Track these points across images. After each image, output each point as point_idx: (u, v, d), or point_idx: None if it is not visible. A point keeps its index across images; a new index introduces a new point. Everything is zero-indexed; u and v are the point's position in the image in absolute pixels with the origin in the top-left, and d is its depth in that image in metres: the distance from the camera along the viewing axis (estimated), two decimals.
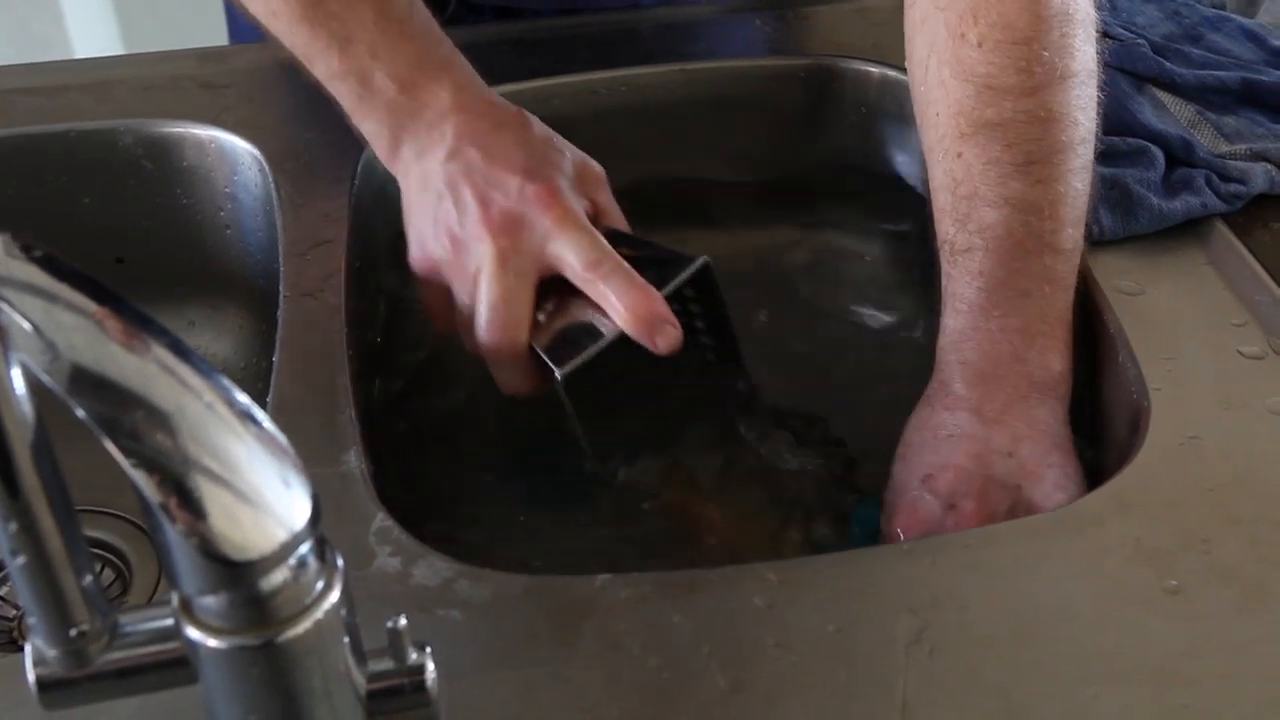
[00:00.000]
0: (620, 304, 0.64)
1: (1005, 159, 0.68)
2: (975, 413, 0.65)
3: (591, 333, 0.66)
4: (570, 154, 0.70)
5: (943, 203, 0.70)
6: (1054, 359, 0.67)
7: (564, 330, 0.66)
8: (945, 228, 0.70)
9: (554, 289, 0.67)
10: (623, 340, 0.65)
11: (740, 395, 0.73)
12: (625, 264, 0.65)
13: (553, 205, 0.65)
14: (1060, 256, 0.68)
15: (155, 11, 2.01)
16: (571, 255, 0.65)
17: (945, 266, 0.70)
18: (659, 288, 0.66)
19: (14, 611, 0.75)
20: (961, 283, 0.68)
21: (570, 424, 0.68)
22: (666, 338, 0.65)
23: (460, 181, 0.67)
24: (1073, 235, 0.68)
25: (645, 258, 0.67)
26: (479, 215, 0.66)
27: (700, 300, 0.71)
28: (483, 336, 0.66)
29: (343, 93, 0.70)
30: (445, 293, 0.69)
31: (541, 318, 0.67)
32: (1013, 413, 0.65)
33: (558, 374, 0.65)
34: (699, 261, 0.67)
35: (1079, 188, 0.69)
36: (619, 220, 0.71)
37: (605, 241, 0.66)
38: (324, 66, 0.70)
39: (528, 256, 0.66)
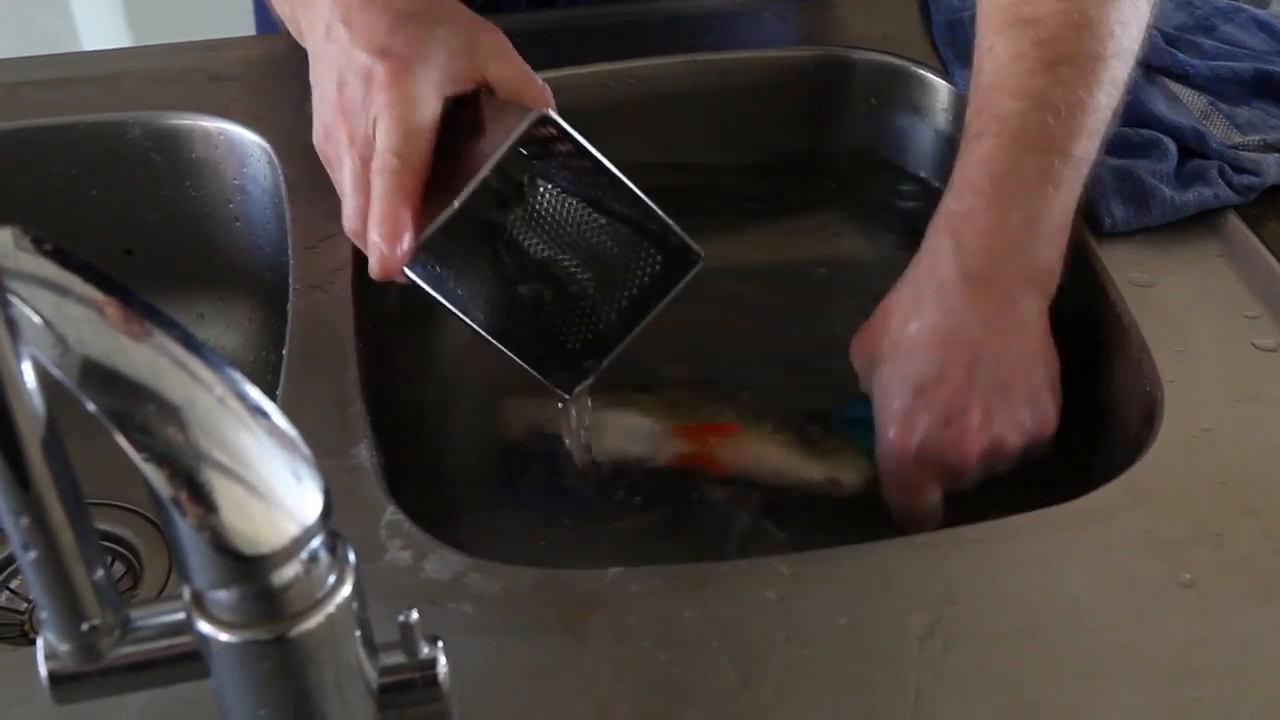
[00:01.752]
0: (371, 208, 0.61)
1: (1032, 55, 0.68)
2: (970, 311, 0.65)
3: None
4: (448, 28, 0.65)
5: (971, 95, 0.71)
6: (1050, 256, 0.67)
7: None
8: (967, 117, 0.70)
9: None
10: (491, 229, 0.63)
11: (679, 253, 0.67)
12: (415, 166, 0.61)
13: (390, 86, 0.62)
14: (1069, 162, 0.67)
15: (163, 6, 2.01)
16: (379, 138, 0.62)
17: (959, 153, 0.70)
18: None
19: (25, 605, 0.75)
20: (970, 167, 0.68)
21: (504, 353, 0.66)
22: (378, 265, 0.61)
23: (329, 64, 0.65)
24: (1086, 146, 0.68)
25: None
26: (334, 100, 0.64)
27: (573, 169, 0.67)
28: (344, 223, 0.65)
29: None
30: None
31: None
32: (1005, 312, 0.65)
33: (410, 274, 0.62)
34: (528, 118, 0.61)
35: (1103, 100, 0.68)
36: (519, 91, 0.65)
37: (419, 129, 0.62)
38: None
39: (368, 142, 0.63)
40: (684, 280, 0.66)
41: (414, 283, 0.62)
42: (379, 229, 0.61)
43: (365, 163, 0.63)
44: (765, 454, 0.72)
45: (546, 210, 0.69)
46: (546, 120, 0.61)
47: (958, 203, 0.68)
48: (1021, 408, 0.65)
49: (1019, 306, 0.66)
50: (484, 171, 0.60)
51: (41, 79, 0.89)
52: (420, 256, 0.62)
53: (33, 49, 0.94)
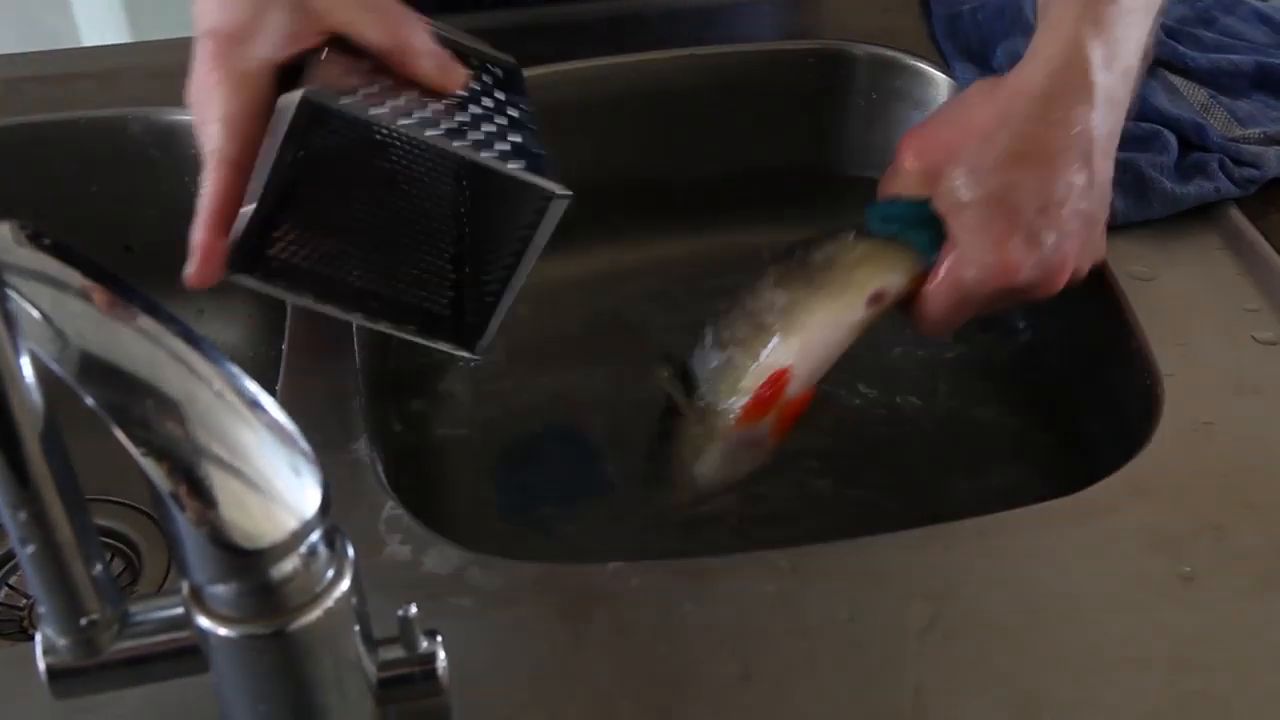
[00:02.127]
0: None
1: None
2: (1064, 134, 0.63)
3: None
4: None
5: None
6: (1127, 94, 0.65)
7: None
8: None
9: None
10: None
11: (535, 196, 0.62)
12: (236, 159, 0.59)
13: (213, 69, 0.60)
14: (1146, 10, 0.66)
15: (163, 3, 2.01)
16: (205, 138, 0.60)
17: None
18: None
19: (24, 600, 0.75)
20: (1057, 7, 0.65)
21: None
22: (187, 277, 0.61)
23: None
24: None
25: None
26: (190, 84, 0.61)
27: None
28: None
29: None
30: None
31: None
32: (1093, 143, 0.64)
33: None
34: (286, 114, 0.57)
35: None
36: (362, 33, 0.61)
37: (234, 123, 0.59)
38: None
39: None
40: (548, 218, 0.62)
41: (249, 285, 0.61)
42: (193, 235, 0.60)
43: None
44: (815, 339, 0.66)
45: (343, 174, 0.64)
46: (317, 110, 0.57)
47: (1048, 34, 0.65)
48: (1098, 239, 0.65)
49: (1104, 139, 0.64)
50: (260, 183, 0.58)
51: (42, 75, 0.89)
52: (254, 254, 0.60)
53: (34, 46, 0.94)
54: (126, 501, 0.80)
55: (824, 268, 0.66)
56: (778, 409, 0.65)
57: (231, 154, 0.59)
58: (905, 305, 0.66)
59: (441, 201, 0.65)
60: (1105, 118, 0.64)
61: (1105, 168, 0.64)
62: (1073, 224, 0.63)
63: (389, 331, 0.63)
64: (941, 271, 0.64)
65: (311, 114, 0.57)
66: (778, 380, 0.65)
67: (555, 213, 0.61)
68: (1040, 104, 0.63)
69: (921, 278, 0.65)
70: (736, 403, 0.65)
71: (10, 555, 0.77)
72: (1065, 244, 0.63)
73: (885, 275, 0.65)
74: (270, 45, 0.59)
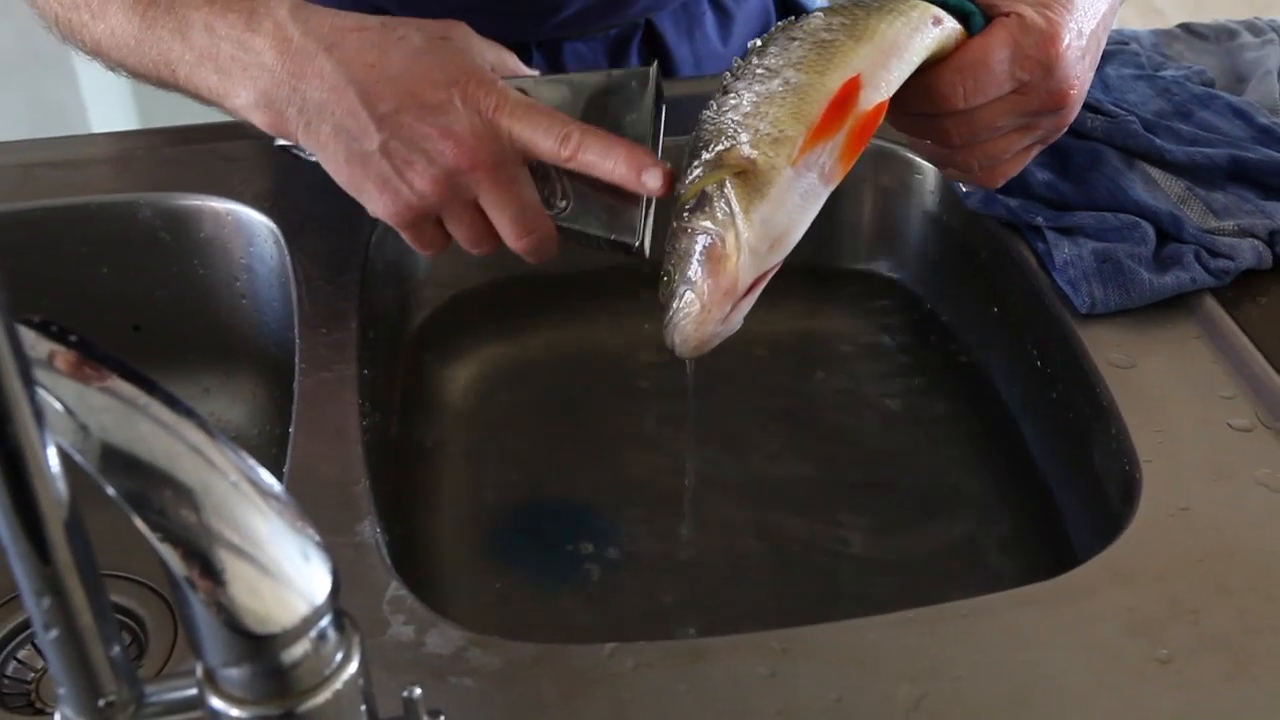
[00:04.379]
0: (604, 166, 0.66)
1: None
2: None
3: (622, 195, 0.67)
4: (435, 32, 0.68)
5: None
6: None
7: (591, 203, 0.69)
8: None
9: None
10: None
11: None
12: (588, 127, 0.66)
13: (500, 104, 0.66)
14: None
15: None
16: (540, 140, 0.66)
17: None
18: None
19: (32, 675, 0.77)
20: None
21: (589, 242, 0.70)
22: (660, 181, 0.65)
23: (397, 125, 0.66)
24: None
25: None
26: (450, 148, 0.66)
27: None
28: (519, 244, 0.69)
29: (200, 81, 0.70)
30: (435, 225, 0.70)
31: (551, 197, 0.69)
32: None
33: (637, 245, 0.68)
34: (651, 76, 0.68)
35: None
36: (504, 64, 0.71)
37: (555, 113, 0.66)
38: (177, 56, 0.70)
39: (511, 159, 0.67)
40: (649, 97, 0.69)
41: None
42: (631, 158, 0.65)
43: (514, 180, 0.67)
44: (887, 47, 0.62)
45: None
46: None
47: None
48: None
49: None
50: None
51: (54, 160, 0.92)
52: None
53: (40, 119, 0.97)
54: (131, 576, 0.81)
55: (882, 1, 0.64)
56: (852, 121, 0.60)
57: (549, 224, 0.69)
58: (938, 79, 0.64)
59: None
60: None
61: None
62: (1094, 46, 0.68)
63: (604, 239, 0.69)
64: (995, 27, 0.65)
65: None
66: (851, 86, 0.60)
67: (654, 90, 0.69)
68: None
69: (968, 39, 0.65)
70: (801, 126, 0.60)
71: (18, 630, 0.78)
72: (1089, 57, 0.67)
73: (942, 11, 0.64)
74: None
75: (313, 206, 0.86)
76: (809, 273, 0.95)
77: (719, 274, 0.60)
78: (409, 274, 0.90)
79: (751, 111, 0.61)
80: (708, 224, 0.60)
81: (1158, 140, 0.85)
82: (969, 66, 0.64)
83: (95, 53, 0.77)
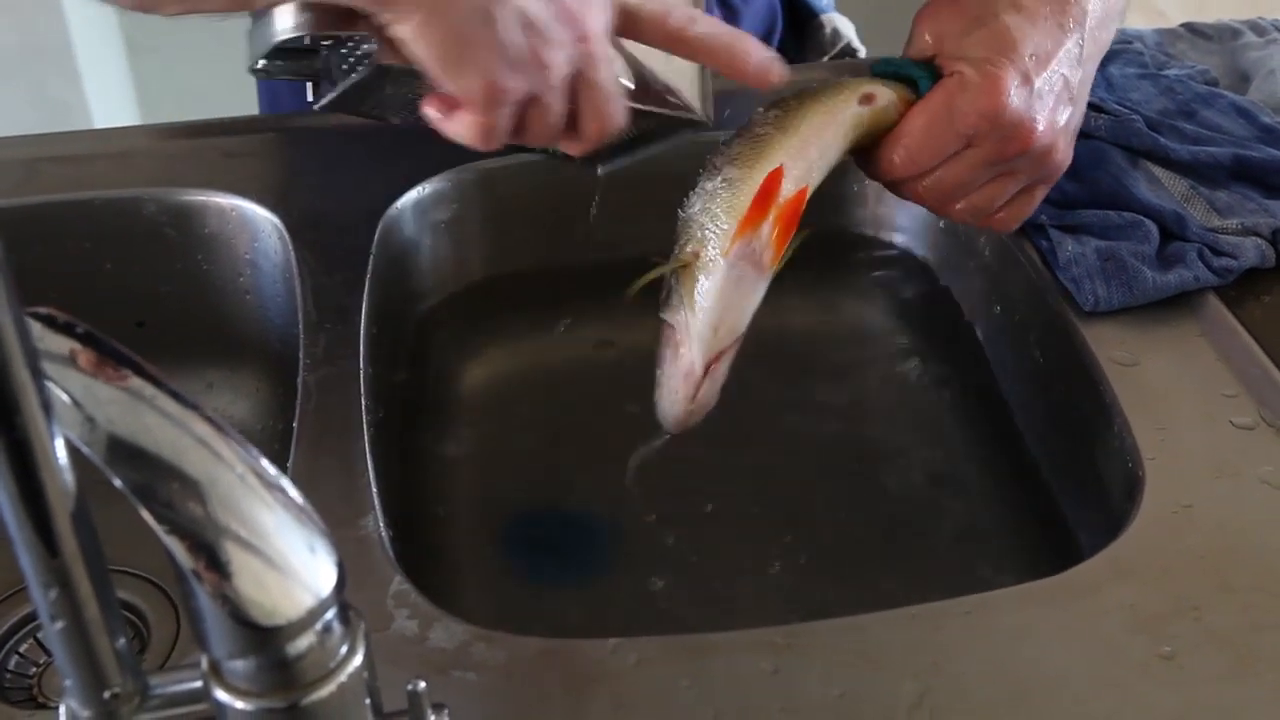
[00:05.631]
0: (726, 53, 0.63)
1: None
2: (1091, 10, 0.69)
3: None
4: None
5: None
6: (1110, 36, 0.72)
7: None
8: None
9: None
10: None
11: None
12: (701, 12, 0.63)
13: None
14: None
15: (171, 75, 2.05)
16: (652, 8, 0.62)
17: None
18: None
19: (34, 669, 0.77)
20: None
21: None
22: (774, 72, 0.63)
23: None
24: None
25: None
26: (554, 12, 0.59)
27: None
28: (617, 119, 0.62)
29: None
30: (521, 109, 0.61)
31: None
32: (1094, 50, 0.70)
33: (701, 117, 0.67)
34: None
35: None
36: None
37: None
38: None
39: (606, 35, 0.61)
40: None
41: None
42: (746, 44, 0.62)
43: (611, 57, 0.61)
44: (809, 136, 0.67)
45: None
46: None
47: None
48: (1068, 134, 0.69)
49: (1096, 26, 0.70)
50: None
51: (59, 155, 0.92)
52: None
53: (44, 118, 0.97)
54: (133, 570, 0.82)
55: (819, 88, 0.69)
56: (775, 211, 0.65)
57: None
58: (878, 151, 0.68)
59: None
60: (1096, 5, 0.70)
61: (1093, 52, 0.70)
62: (1060, 90, 0.68)
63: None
64: (934, 90, 0.68)
65: None
66: (773, 179, 0.65)
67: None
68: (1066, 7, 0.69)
69: (911, 104, 0.68)
70: (734, 220, 0.65)
71: (20, 625, 0.78)
72: (1044, 103, 0.67)
73: (877, 85, 0.69)
74: None
75: (317, 202, 0.86)
76: (809, 275, 0.95)
77: (676, 359, 0.65)
78: (413, 269, 0.90)
79: (700, 209, 0.66)
80: (666, 315, 0.66)
81: (1161, 139, 0.85)
82: (900, 135, 0.68)
83: None
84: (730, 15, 1.07)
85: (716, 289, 0.64)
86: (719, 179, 0.66)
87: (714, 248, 0.64)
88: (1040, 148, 0.68)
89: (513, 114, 0.61)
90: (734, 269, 0.64)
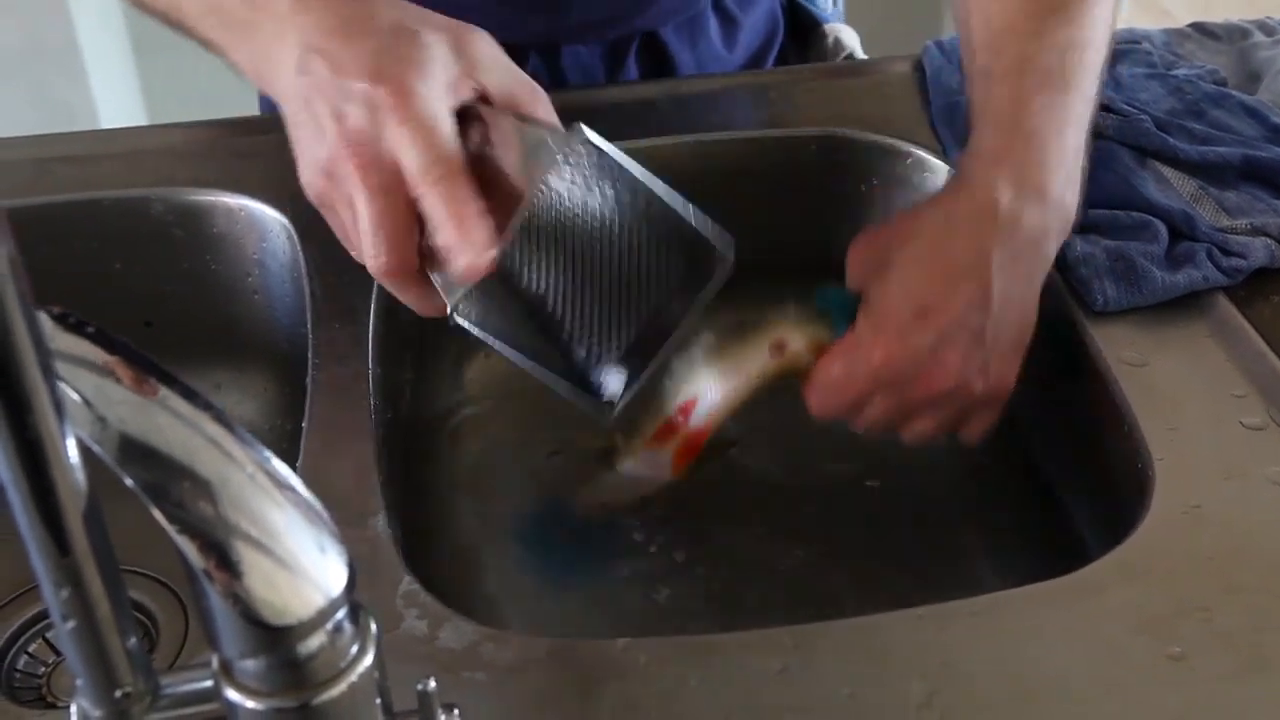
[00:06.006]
0: (435, 221, 0.58)
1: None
2: (998, 251, 0.67)
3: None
4: (434, 37, 0.60)
5: (973, 36, 0.75)
6: (1072, 199, 0.70)
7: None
8: (977, 58, 0.74)
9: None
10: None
11: (703, 255, 0.63)
12: (460, 170, 0.58)
13: (400, 107, 0.57)
14: (1085, 101, 0.71)
15: (178, 76, 2.05)
16: (406, 160, 0.58)
17: (976, 91, 0.73)
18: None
19: (43, 669, 0.77)
20: (999, 105, 0.71)
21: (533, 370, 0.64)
22: (467, 266, 0.58)
23: (315, 98, 0.60)
24: (1095, 84, 0.72)
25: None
26: (335, 134, 0.59)
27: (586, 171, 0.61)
28: (370, 264, 0.60)
29: (209, 29, 0.66)
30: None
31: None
32: (1027, 258, 0.68)
33: (450, 310, 0.61)
34: (574, 137, 0.59)
35: (1100, 36, 0.73)
36: (513, 95, 0.62)
37: (447, 141, 0.58)
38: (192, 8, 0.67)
39: (388, 170, 0.58)
40: (714, 284, 0.62)
41: (463, 328, 0.63)
42: (456, 232, 0.57)
43: (387, 192, 0.58)
44: (722, 377, 0.72)
45: (553, 218, 0.63)
46: (584, 139, 0.59)
47: (992, 140, 0.70)
48: (997, 362, 0.68)
49: (1040, 253, 0.69)
50: (533, 191, 0.59)
51: (67, 155, 0.92)
52: (461, 298, 0.61)
53: (50, 119, 0.97)
54: (142, 571, 0.82)
55: (754, 321, 0.73)
56: (679, 438, 0.72)
57: (461, 171, 0.58)
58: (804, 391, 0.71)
59: (608, 252, 0.63)
60: (1009, 240, 0.68)
61: (1007, 289, 0.68)
62: (959, 334, 0.67)
63: (551, 380, 0.64)
64: (840, 342, 0.69)
65: (591, 152, 0.59)
66: (684, 410, 0.72)
67: (722, 276, 0.62)
68: (944, 220, 0.69)
69: (825, 348, 0.70)
70: (652, 425, 0.73)
71: (30, 624, 0.78)
72: (946, 350, 0.67)
73: (790, 331, 0.72)
74: (441, 90, 0.59)
75: None
76: (809, 269, 0.95)
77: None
78: None
79: (648, 395, 0.70)
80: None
81: (1170, 139, 0.85)
82: (812, 384, 0.70)
83: None
84: (730, 25, 1.07)
85: (624, 474, 0.75)
86: (659, 383, 0.71)
87: (631, 444, 0.74)
88: (947, 389, 0.68)
89: (343, 226, 0.63)
90: (639, 467, 0.74)
